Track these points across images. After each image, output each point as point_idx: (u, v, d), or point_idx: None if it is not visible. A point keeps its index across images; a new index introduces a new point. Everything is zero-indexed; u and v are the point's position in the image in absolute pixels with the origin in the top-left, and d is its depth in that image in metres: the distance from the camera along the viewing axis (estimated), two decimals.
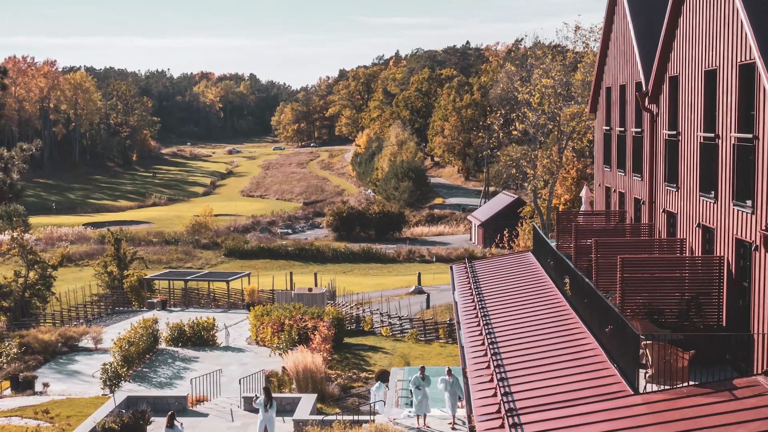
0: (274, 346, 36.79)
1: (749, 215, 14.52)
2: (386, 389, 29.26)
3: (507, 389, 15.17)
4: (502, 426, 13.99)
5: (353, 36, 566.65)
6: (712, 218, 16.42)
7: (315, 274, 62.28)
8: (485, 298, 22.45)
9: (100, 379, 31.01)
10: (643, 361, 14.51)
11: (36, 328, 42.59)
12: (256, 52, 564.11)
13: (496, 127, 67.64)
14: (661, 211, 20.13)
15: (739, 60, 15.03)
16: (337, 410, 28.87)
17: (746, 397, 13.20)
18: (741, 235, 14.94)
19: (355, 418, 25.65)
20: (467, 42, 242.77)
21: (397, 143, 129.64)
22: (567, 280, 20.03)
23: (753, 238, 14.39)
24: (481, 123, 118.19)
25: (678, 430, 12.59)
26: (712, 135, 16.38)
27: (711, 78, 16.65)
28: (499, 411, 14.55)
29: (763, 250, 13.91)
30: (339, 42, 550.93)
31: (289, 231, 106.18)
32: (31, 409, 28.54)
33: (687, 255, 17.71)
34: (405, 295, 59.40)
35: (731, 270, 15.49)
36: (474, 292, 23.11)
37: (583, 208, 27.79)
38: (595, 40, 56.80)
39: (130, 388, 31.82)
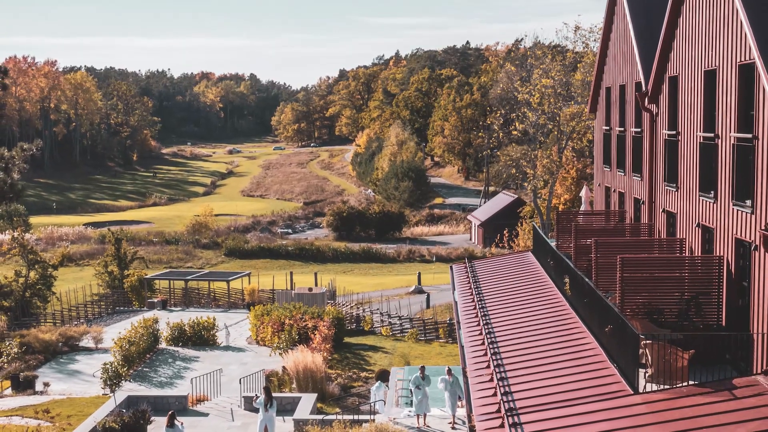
0: (275, 345, 36.81)
1: (749, 215, 14.54)
2: (386, 389, 29.28)
3: (507, 389, 15.20)
4: (502, 425, 14.02)
5: (353, 36, 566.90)
6: (711, 218, 16.45)
7: (315, 274, 62.31)
8: (485, 297, 22.47)
9: (101, 378, 31.00)
10: (643, 361, 14.53)
11: (36, 328, 42.61)
12: (257, 52, 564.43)
13: (496, 127, 67.67)
14: (660, 210, 20.15)
15: (738, 60, 15.05)
16: (338, 410, 28.90)
17: (746, 397, 13.22)
18: (740, 235, 14.96)
19: (356, 417, 25.67)
20: (467, 42, 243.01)
21: (397, 143, 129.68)
22: (567, 280, 20.05)
23: (752, 238, 14.42)
24: (481, 123, 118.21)
25: (677, 430, 12.61)
26: (712, 135, 16.40)
27: (711, 78, 16.68)
28: (498, 410, 14.57)
29: (762, 250, 13.94)
30: (339, 42, 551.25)
31: (290, 231, 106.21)
32: (31, 409, 28.56)
33: (687, 255, 17.73)
34: (405, 295, 59.43)
35: (731, 270, 15.51)
36: (474, 292, 23.13)
37: (582, 207, 27.81)
38: (594, 40, 56.85)
39: (131, 388, 31.84)
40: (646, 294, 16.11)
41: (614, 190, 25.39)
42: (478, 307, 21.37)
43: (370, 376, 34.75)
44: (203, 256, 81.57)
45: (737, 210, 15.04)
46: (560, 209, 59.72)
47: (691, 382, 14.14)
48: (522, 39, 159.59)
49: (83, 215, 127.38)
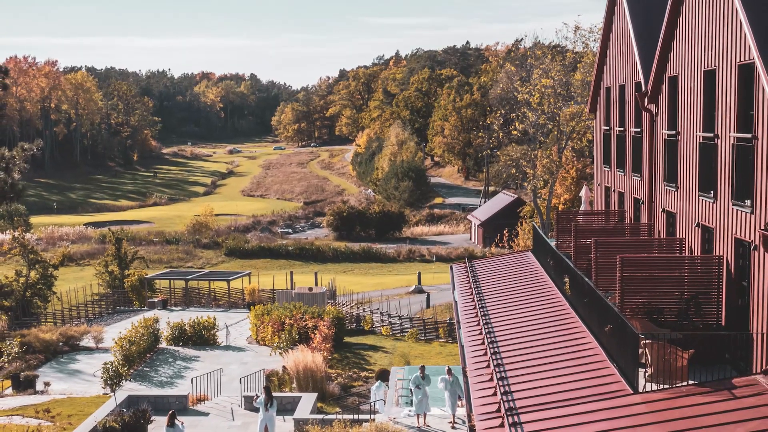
0: (275, 345, 36.83)
1: (748, 215, 14.56)
2: (386, 388, 29.30)
3: (507, 388, 15.22)
4: (501, 425, 14.04)
5: (353, 36, 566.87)
6: (711, 218, 16.47)
7: (315, 274, 62.34)
8: (485, 297, 22.49)
9: (101, 378, 31.03)
10: (643, 361, 14.54)
11: (37, 328, 42.62)
12: (257, 52, 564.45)
13: (495, 127, 67.68)
14: (660, 210, 20.18)
15: (738, 60, 15.07)
16: (338, 409, 28.93)
17: (745, 396, 13.24)
18: (740, 235, 14.98)
19: (356, 417, 25.69)
20: (467, 42, 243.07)
21: (397, 143, 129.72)
22: (566, 280, 20.07)
23: (752, 238, 14.44)
24: (481, 123, 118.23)
25: (677, 429, 12.63)
26: (712, 135, 16.42)
27: (710, 78, 16.70)
28: (498, 410, 14.59)
29: (762, 250, 13.96)
30: (339, 42, 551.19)
31: (290, 230, 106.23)
32: (32, 408, 28.58)
33: (686, 254, 17.76)
34: (405, 295, 59.45)
35: (730, 269, 15.53)
36: (474, 292, 23.16)
37: (582, 207, 27.84)
38: (594, 40, 56.85)
39: (131, 388, 31.86)
40: (646, 294, 16.13)
41: (614, 190, 25.42)
42: (478, 306, 21.39)
43: (370, 375, 34.77)
44: (203, 256, 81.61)
45: (737, 210, 15.06)
46: (560, 209, 59.73)
47: (690, 382, 14.15)
48: (522, 39, 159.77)
49: (84, 215, 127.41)
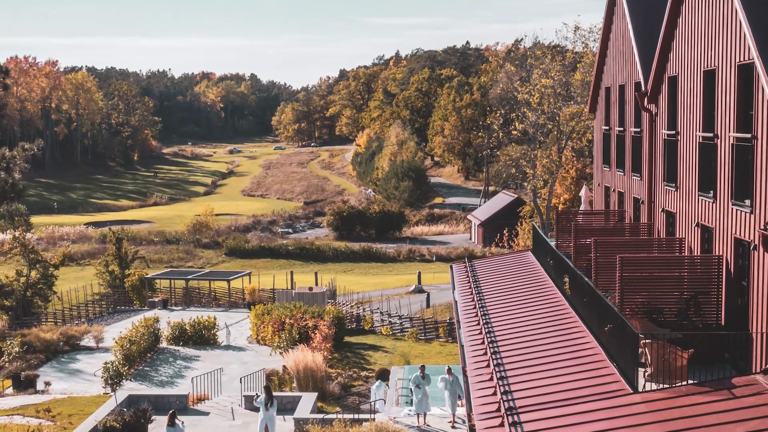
0: (275, 344, 36.86)
1: (748, 215, 14.59)
2: (386, 388, 29.33)
3: (507, 388, 15.24)
4: (501, 424, 14.06)
5: (353, 36, 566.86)
6: (711, 218, 16.49)
7: (315, 274, 62.37)
8: (485, 297, 22.52)
9: (102, 377, 31.10)
10: (642, 360, 14.56)
11: (38, 327, 42.66)
12: (257, 52, 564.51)
13: (495, 127, 67.72)
14: (660, 210, 20.20)
15: (737, 60, 15.09)
16: (338, 409, 28.96)
17: (745, 396, 13.25)
18: (740, 235, 15.01)
19: (356, 416, 25.71)
20: (467, 42, 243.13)
21: (397, 143, 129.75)
22: (566, 279, 20.09)
23: (752, 238, 14.46)
24: (480, 123, 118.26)
25: (677, 429, 12.65)
26: (711, 135, 16.44)
27: (710, 78, 16.72)
28: (498, 409, 14.62)
29: (761, 250, 13.98)
30: (339, 42, 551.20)
31: (290, 230, 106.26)
32: (32, 408, 28.61)
33: (686, 254, 17.78)
34: (405, 294, 59.48)
35: (730, 269, 15.55)
36: (474, 291, 23.18)
37: (582, 207, 27.86)
38: (594, 40, 56.88)
39: (132, 387, 31.90)
40: (646, 293, 16.15)
41: (614, 190, 25.44)
42: (477, 306, 21.42)
43: (371, 375, 34.80)
44: (204, 256, 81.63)
45: (736, 210, 15.08)
46: (560, 209, 59.76)
47: (690, 382, 14.17)
48: (522, 39, 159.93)
49: (84, 215, 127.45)
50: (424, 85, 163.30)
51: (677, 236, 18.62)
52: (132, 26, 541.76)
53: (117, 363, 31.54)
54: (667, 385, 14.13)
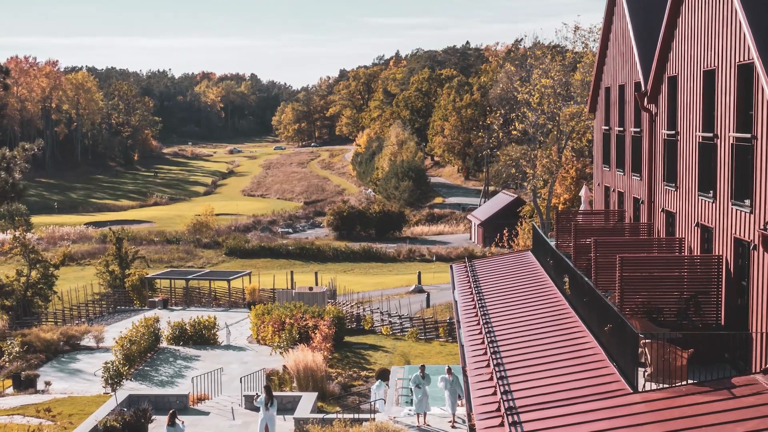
0: (275, 344, 36.88)
1: (748, 215, 14.60)
2: (386, 388, 29.35)
3: (507, 388, 15.26)
4: (501, 424, 14.07)
5: (353, 36, 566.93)
6: (710, 218, 16.51)
7: (316, 273, 62.39)
8: (485, 297, 22.54)
9: (102, 377, 31.12)
10: (642, 360, 14.58)
11: (38, 327, 42.67)
12: (257, 52, 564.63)
13: (495, 127, 67.73)
14: (660, 210, 20.21)
15: (737, 60, 15.11)
16: (338, 408, 28.97)
17: (745, 396, 13.27)
18: (739, 235, 15.02)
19: (356, 416, 25.73)
20: (467, 42, 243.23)
21: (397, 143, 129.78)
22: (566, 279, 20.11)
23: (751, 238, 14.48)
24: (480, 123, 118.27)
25: (676, 429, 12.66)
26: (711, 135, 16.46)
27: (710, 78, 16.73)
28: (498, 409, 14.63)
29: (761, 250, 13.99)
30: (339, 42, 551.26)
31: (290, 230, 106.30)
32: (33, 408, 28.63)
33: (686, 254, 17.80)
34: (405, 294, 59.50)
35: (730, 269, 15.56)
36: (474, 291, 23.20)
37: (582, 207, 27.88)
38: (594, 40, 56.90)
39: (132, 387, 31.92)
40: (646, 293, 16.17)
41: (613, 190, 25.46)
42: (477, 306, 21.44)
43: (371, 375, 34.82)
44: (204, 256, 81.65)
45: (736, 209, 15.10)
46: (560, 209, 59.78)
47: (690, 381, 14.19)
48: (522, 39, 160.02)
49: (84, 215, 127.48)
50: (424, 85, 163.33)
51: (677, 236, 18.63)
52: (132, 26, 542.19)
53: (117, 363, 31.56)
54: (667, 385, 14.14)
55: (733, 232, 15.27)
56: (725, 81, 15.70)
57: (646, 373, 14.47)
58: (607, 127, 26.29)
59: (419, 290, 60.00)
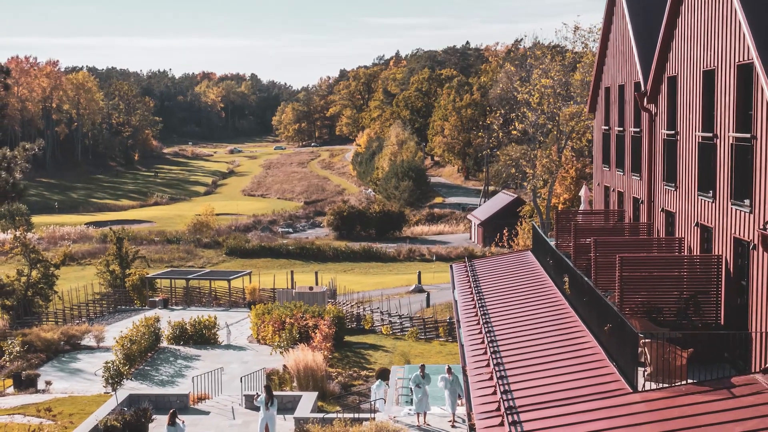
0: (275, 344, 36.91)
1: (747, 214, 14.63)
2: (387, 387, 29.37)
3: (506, 387, 15.28)
4: (501, 424, 14.10)
5: (353, 36, 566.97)
6: (710, 217, 16.53)
7: (316, 273, 62.42)
8: (485, 296, 22.56)
9: (103, 377, 31.14)
10: (642, 360, 14.60)
11: (38, 327, 42.69)
12: (257, 52, 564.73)
13: (495, 127, 67.75)
14: (659, 210, 20.24)
15: (737, 60, 15.13)
16: (338, 408, 29.00)
17: (744, 395, 13.29)
18: (739, 234, 15.05)
19: (356, 416, 25.75)
20: (467, 42, 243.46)
21: (397, 143, 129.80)
22: (566, 279, 20.13)
23: (751, 237, 14.50)
24: (480, 123, 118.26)
25: (676, 428, 12.69)
26: (711, 135, 16.48)
27: (709, 78, 16.76)
28: (498, 409, 14.66)
29: (760, 249, 14.02)
30: (339, 42, 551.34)
31: (290, 230, 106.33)
32: (33, 407, 28.66)
33: (685, 254, 17.82)
34: (405, 294, 59.53)
35: (729, 269, 15.59)
36: (474, 291, 23.23)
37: (582, 207, 27.91)
38: (594, 40, 56.91)
39: (132, 386, 31.94)
40: (645, 293, 16.19)
41: (613, 190, 25.48)
42: (477, 305, 21.46)
43: (371, 374, 34.84)
44: (204, 255, 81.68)
45: (736, 209, 15.12)
46: (559, 209, 59.79)
47: (689, 381, 14.21)
48: (521, 39, 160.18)
49: (85, 215, 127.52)
50: (424, 85, 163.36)
51: (677, 236, 18.66)
52: (132, 26, 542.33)
53: (118, 362, 31.58)
54: (667, 385, 14.17)
55: (733, 231, 15.30)
56: (725, 81, 15.73)
57: (646, 373, 14.50)
58: (606, 127, 26.31)
59: (419, 290, 60.03)
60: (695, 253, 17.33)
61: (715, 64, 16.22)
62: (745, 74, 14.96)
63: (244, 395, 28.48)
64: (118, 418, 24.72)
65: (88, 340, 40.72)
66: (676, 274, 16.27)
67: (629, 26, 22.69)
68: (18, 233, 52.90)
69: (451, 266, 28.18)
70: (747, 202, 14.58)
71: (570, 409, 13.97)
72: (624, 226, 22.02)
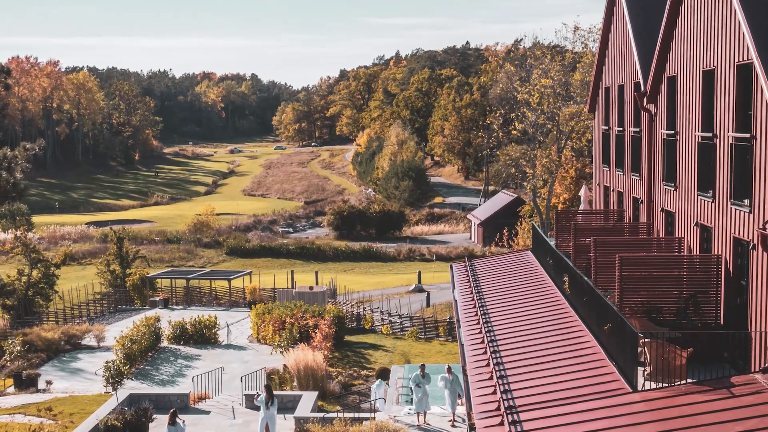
0: (276, 344, 36.93)
1: (747, 214, 14.65)
2: (387, 387, 29.40)
3: (506, 387, 15.31)
4: (501, 423, 14.12)
5: (353, 36, 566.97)
6: (710, 217, 16.56)
7: (316, 273, 62.44)
8: (485, 296, 22.59)
9: (103, 376, 31.17)
10: (642, 359, 14.62)
11: (39, 326, 42.73)
12: (257, 52, 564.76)
13: (495, 127, 67.78)
14: (659, 210, 20.26)
15: (736, 60, 15.16)
16: (338, 408, 29.04)
17: (744, 395, 13.31)
18: (738, 234, 15.07)
19: (356, 415, 25.78)
20: (467, 42, 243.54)
21: (397, 143, 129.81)
22: (566, 279, 20.15)
23: (750, 237, 14.53)
24: (480, 123, 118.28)
25: (676, 428, 12.71)
26: (710, 135, 16.51)
27: (709, 78, 16.78)
28: (498, 408, 14.68)
29: (760, 249, 14.04)
30: (339, 42, 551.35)
31: (291, 230, 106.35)
32: (34, 407, 28.68)
33: (685, 254, 17.84)
34: (405, 294, 59.55)
35: (729, 269, 15.61)
36: (474, 291, 23.25)
37: (582, 207, 27.93)
38: (593, 40, 56.94)
39: (133, 386, 31.97)
40: (645, 292, 16.21)
41: (613, 190, 25.50)
42: (477, 305, 21.49)
43: (371, 374, 34.86)
44: (205, 255, 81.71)
45: (735, 209, 15.15)
46: (559, 208, 59.81)
47: (689, 381, 14.23)
48: (521, 39, 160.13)
49: (85, 214, 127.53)
50: (424, 85, 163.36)
51: (676, 236, 18.68)
52: (132, 26, 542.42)
53: (118, 362, 31.61)
54: (667, 384, 14.19)
55: (733, 231, 15.32)
56: (724, 81, 15.75)
57: (646, 373, 14.52)
58: (606, 127, 26.34)
59: (419, 289, 60.05)
60: (695, 253, 17.36)
61: (715, 64, 16.25)
62: (744, 74, 14.98)
63: (245, 395, 28.51)
64: (118, 418, 24.75)
65: (89, 340, 40.75)
66: (676, 273, 16.29)
67: (629, 26, 22.71)
68: (19, 233, 52.92)
69: (451, 266, 28.20)
70: (746, 201, 14.61)
71: (570, 409, 13.99)
72: (624, 226, 22.04)
